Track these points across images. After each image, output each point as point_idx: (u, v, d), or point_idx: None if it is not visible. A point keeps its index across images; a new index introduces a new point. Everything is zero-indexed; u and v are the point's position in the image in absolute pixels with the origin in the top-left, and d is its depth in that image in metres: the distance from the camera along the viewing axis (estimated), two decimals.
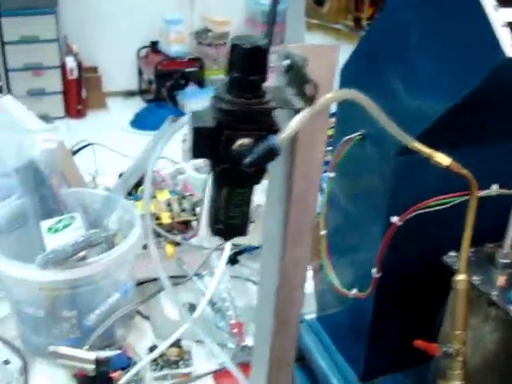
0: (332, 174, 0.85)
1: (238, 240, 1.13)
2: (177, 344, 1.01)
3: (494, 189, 0.69)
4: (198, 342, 1.05)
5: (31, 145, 1.04)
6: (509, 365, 0.69)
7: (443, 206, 0.69)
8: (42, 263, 0.83)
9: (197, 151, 0.48)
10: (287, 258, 0.60)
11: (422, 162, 0.72)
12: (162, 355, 1.00)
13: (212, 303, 1.07)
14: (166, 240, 1.16)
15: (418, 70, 0.74)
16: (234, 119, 0.47)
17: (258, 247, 1.22)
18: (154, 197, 1.26)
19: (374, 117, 0.53)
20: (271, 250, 0.61)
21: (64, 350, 0.82)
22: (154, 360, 0.99)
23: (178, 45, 4.10)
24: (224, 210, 0.52)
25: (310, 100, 0.48)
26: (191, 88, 4.13)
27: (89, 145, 1.46)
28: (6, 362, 1.00)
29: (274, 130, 0.48)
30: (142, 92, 4.48)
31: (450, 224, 0.69)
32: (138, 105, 4.31)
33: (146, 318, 1.12)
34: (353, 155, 0.84)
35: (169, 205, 1.22)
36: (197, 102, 3.85)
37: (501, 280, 0.70)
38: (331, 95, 0.49)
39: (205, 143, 0.48)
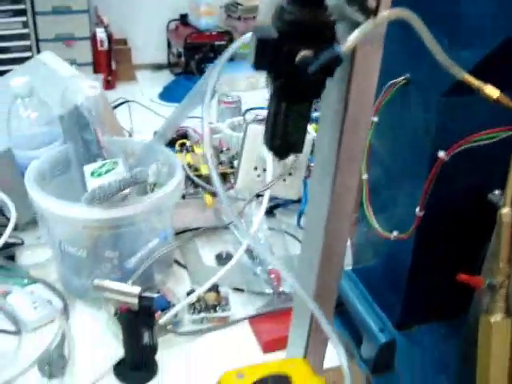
0: (375, 119, 0.86)
1: (275, 192, 1.15)
2: (215, 289, 1.03)
3: None
4: (235, 289, 1.07)
5: (75, 91, 1.06)
6: None
7: (490, 141, 0.69)
8: (89, 198, 0.85)
9: (259, 63, 0.49)
10: (338, 183, 0.61)
11: (467, 103, 0.73)
12: (199, 300, 1.02)
13: (250, 251, 1.09)
14: (204, 190, 1.17)
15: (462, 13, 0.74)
16: (297, 30, 0.48)
17: (294, 201, 1.23)
18: (191, 151, 1.28)
19: (425, 44, 0.54)
20: (322, 176, 0.62)
21: (108, 283, 0.83)
22: (192, 304, 1.02)
23: (207, 18, 4.09)
24: (282, 126, 0.53)
25: (371, 12, 0.49)
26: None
27: (126, 102, 1.48)
28: (49, 302, 1.03)
29: (335, 42, 0.49)
30: (170, 65, 4.49)
31: (497, 160, 0.69)
32: (166, 78, 4.32)
33: (184, 266, 1.14)
34: (397, 100, 0.84)
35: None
36: (225, 75, 3.85)
37: None
38: (392, 11, 0.50)
39: (267, 55, 0.48)
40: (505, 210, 0.66)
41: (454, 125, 0.75)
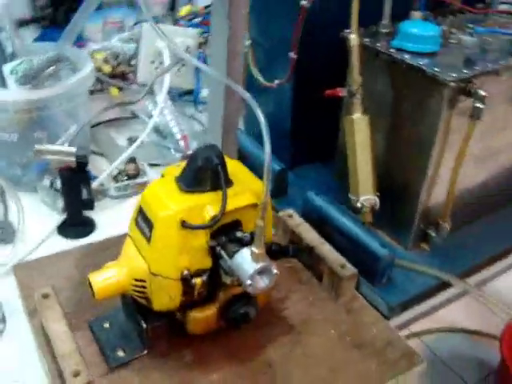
0: None
1: (172, 83, 1.33)
2: (133, 161, 1.21)
3: None
4: (152, 165, 1.25)
5: None
6: (395, 105, 0.95)
7: None
8: (22, 77, 0.99)
9: None
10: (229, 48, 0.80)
11: None
12: (121, 172, 1.20)
13: (159, 131, 1.27)
14: (109, 85, 1.33)
15: None
16: None
17: (191, 91, 1.43)
18: (92, 57, 1.42)
19: None
20: (219, 41, 0.80)
21: (48, 146, 0.99)
22: (116, 176, 1.19)
23: None
24: None
25: None
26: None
27: None
28: None
29: None
30: (36, 20, 4.41)
31: (347, 5, 0.92)
32: (33, 34, 4.24)
33: (101, 154, 1.30)
34: None
35: (106, 61, 1.40)
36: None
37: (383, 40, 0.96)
38: None
39: None
40: (352, 36, 0.90)
41: None
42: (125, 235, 0.96)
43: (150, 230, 0.71)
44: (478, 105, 0.87)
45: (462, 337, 2.05)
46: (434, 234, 1.00)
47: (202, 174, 0.71)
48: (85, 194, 1.04)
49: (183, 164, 0.75)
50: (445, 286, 0.97)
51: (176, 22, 1.55)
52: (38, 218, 1.10)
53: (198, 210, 0.71)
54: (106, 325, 0.82)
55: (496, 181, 1.09)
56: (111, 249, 0.95)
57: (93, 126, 1.31)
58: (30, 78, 1.01)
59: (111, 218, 1.13)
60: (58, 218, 1.08)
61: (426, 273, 0.94)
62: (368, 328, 0.86)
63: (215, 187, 0.72)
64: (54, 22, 4.37)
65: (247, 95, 0.66)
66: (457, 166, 0.93)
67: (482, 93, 0.86)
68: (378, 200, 0.92)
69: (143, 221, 0.73)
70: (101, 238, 1.04)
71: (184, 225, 0.69)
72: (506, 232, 1.10)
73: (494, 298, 0.95)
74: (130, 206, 1.17)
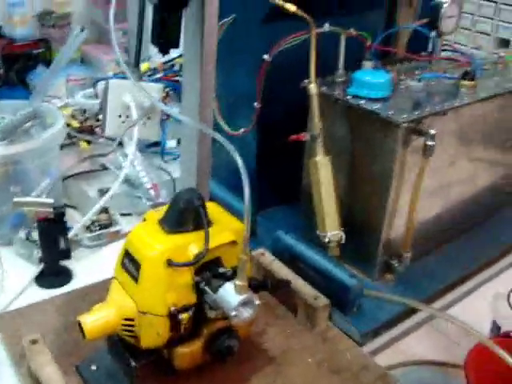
0: None
1: (139, 135, 1.38)
2: (105, 212, 1.25)
3: (327, 26, 1.02)
4: (124, 214, 1.29)
5: None
6: (354, 146, 1.04)
7: (297, 42, 1.00)
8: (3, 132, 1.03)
9: None
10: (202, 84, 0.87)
11: (281, 26, 1.04)
12: (94, 222, 1.23)
13: (129, 181, 1.32)
14: (79, 139, 1.38)
15: None
16: None
17: (157, 143, 1.49)
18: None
19: None
20: (191, 74, 0.87)
21: (26, 198, 1.02)
22: (89, 226, 1.22)
23: (21, 28, 4.11)
24: (164, 29, 0.79)
25: None
26: (40, 69, 4.18)
27: None
28: None
29: None
30: None
31: (306, 58, 1.01)
32: None
33: (73, 207, 1.33)
34: (230, 32, 1.13)
35: (73, 116, 1.45)
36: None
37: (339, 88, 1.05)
38: None
39: None
40: (311, 85, 0.99)
41: (272, 37, 1.05)
42: (102, 282, 1.01)
43: (138, 271, 0.75)
44: (429, 142, 0.95)
45: (427, 369, 2.11)
46: (396, 265, 1.06)
47: (185, 215, 0.77)
48: (62, 244, 1.07)
49: (164, 208, 0.81)
50: (412, 312, 1.03)
51: (140, 78, 1.62)
52: (14, 270, 1.12)
53: (182, 249, 0.76)
54: (94, 367, 0.85)
55: (450, 213, 1.17)
56: (90, 295, 0.99)
57: (64, 179, 1.35)
58: (8, 134, 1.05)
59: (86, 267, 1.15)
60: (35, 269, 1.11)
61: (393, 300, 1.00)
62: (343, 354, 0.91)
63: (197, 227, 0.77)
64: (7, 83, 4.39)
65: (224, 140, 0.73)
66: (413, 200, 1.01)
67: (432, 131, 0.95)
68: (343, 234, 0.99)
69: (130, 262, 0.77)
70: (78, 287, 1.07)
71: (170, 263, 0.74)
72: (461, 261, 1.18)
73: (459, 320, 1.01)
74: (103, 254, 1.20)
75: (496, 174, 1.30)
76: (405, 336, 1.06)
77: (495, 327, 2.48)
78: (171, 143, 1.53)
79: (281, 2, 0.93)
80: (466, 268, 1.15)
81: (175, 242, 0.76)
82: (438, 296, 1.09)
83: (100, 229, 1.23)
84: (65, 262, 1.12)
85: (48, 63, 4.33)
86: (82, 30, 1.20)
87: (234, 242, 0.79)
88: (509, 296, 2.37)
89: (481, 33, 4.88)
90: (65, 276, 1.12)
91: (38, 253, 1.11)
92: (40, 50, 4.27)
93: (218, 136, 0.74)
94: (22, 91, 4.29)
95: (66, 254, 1.09)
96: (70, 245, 1.11)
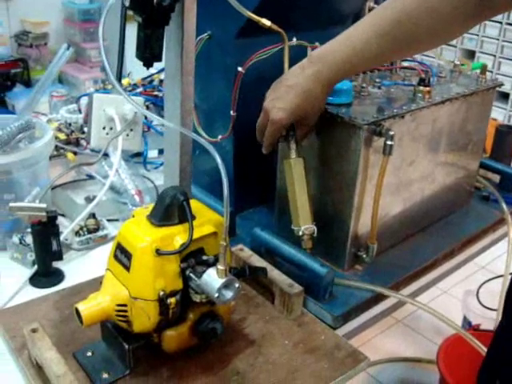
0: None
1: (122, 147, 1.47)
2: (92, 217, 1.33)
3: (294, 40, 1.13)
4: (110, 220, 1.38)
5: None
6: (323, 147, 1.14)
7: (268, 55, 1.11)
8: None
9: (132, 6, 0.83)
10: (183, 92, 0.96)
11: (253, 41, 1.14)
12: (82, 227, 1.31)
13: (115, 189, 1.41)
14: (66, 151, 1.46)
15: None
16: None
17: (139, 153, 1.58)
18: None
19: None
20: (172, 85, 0.97)
21: (21, 203, 1.10)
22: (78, 231, 1.30)
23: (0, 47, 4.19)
24: (148, 45, 0.88)
25: None
26: (18, 88, 4.24)
27: None
28: None
29: None
30: None
31: (276, 69, 1.11)
32: None
33: (62, 215, 1.41)
34: (204, 49, 1.23)
35: (60, 130, 1.53)
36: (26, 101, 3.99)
37: None
38: None
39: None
40: None
41: (245, 51, 1.15)
42: (93, 280, 1.09)
43: (129, 260, 0.84)
44: (388, 142, 1.06)
45: (402, 365, 2.21)
46: (364, 256, 1.16)
47: (171, 209, 0.86)
48: (54, 246, 1.15)
49: (151, 206, 0.90)
50: (379, 298, 1.13)
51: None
52: (9, 273, 1.19)
53: (169, 239, 0.85)
54: (89, 353, 0.93)
55: (412, 209, 1.28)
56: (82, 292, 1.07)
57: (52, 189, 1.43)
58: (4, 145, 1.13)
59: (77, 268, 1.23)
60: (29, 271, 1.18)
61: (361, 288, 1.10)
62: (317, 336, 1.00)
63: (182, 220, 0.86)
64: None
65: (205, 142, 0.82)
66: (377, 196, 1.11)
67: (391, 132, 1.05)
68: (315, 228, 1.08)
69: (122, 253, 0.86)
70: (70, 285, 1.15)
71: (158, 252, 0.83)
72: (423, 253, 1.28)
73: (428, 306, 1.11)
74: (92, 256, 1.28)
75: (456, 174, 1.41)
76: (373, 323, 1.16)
77: (466, 322, 2.61)
78: (152, 153, 1.62)
79: (257, 18, 1.03)
80: (428, 259, 1.26)
81: (162, 233, 0.85)
82: (403, 284, 1.18)
83: (88, 233, 1.31)
84: (57, 264, 1.20)
85: (26, 82, 4.44)
86: (68, 48, 1.29)
87: (214, 233, 0.88)
88: (477, 293, 2.49)
89: (448, 45, 5.07)
90: (57, 276, 1.19)
91: (31, 256, 1.19)
92: (18, 70, 4.37)
93: (198, 138, 0.83)
94: (1, 109, 4.36)
95: (59, 255, 1.17)
96: (62, 247, 1.19)
